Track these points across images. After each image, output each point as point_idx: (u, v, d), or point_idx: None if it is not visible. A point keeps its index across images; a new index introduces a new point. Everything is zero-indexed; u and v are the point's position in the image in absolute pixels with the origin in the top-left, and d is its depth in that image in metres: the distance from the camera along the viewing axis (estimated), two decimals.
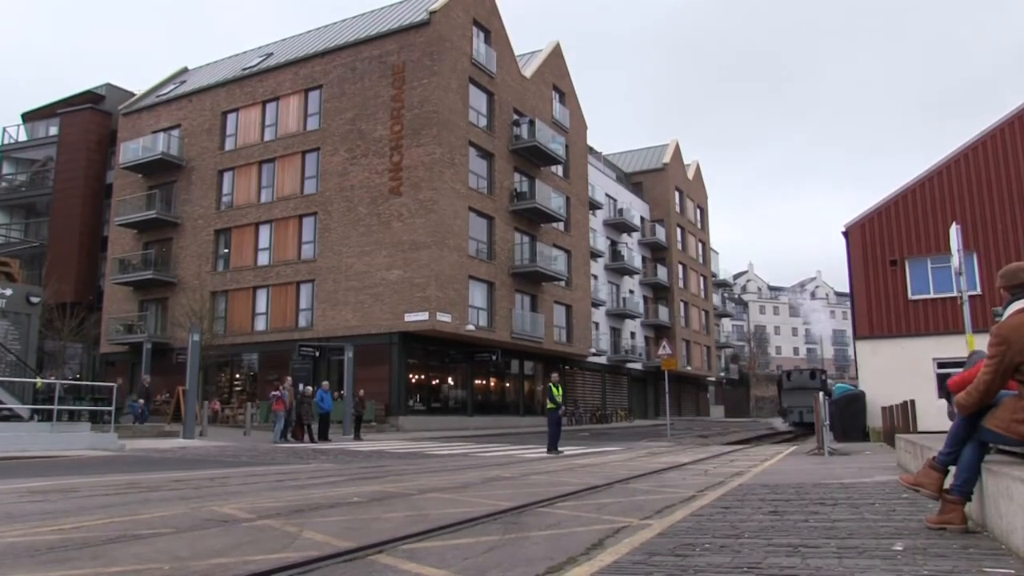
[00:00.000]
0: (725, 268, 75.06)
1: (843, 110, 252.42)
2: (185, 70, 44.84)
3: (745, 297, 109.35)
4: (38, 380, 16.83)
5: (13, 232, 44.99)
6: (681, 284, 58.83)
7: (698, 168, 66.36)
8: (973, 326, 10.66)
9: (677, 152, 61.13)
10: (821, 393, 14.77)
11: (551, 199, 37.93)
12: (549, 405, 16.57)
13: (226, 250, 36.13)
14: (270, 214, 34.88)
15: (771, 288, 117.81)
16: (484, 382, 36.08)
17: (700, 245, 65.20)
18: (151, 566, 3.88)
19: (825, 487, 7.38)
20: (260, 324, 34.38)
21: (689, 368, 57.92)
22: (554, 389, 16.51)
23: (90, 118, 43.91)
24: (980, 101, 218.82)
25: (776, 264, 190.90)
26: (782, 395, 32.04)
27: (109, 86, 46.09)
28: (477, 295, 33.18)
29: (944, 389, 5.07)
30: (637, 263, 53.53)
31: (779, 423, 34.24)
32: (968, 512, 4.36)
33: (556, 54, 42.65)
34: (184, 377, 24.35)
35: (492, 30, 36.04)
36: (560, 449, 16.31)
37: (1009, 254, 19.85)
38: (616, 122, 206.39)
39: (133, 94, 44.23)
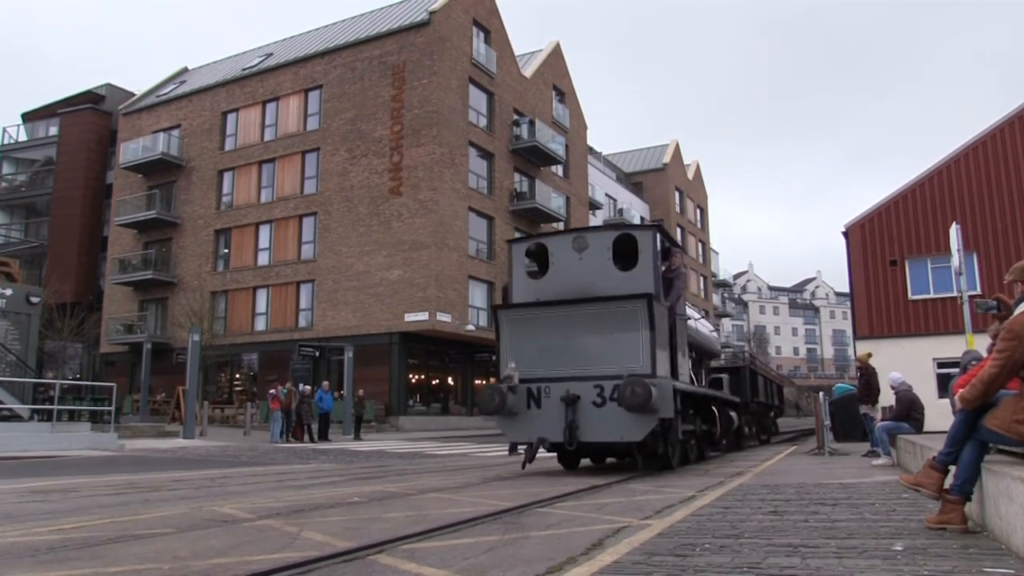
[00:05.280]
0: (725, 268, 74.97)
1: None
2: (185, 70, 44.83)
3: (745, 297, 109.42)
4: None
5: (13, 232, 45.00)
6: None
7: (698, 168, 66.33)
8: (973, 326, 10.67)
9: (677, 152, 61.12)
10: (821, 393, 14.39)
11: (551, 199, 37.91)
12: None
13: (226, 250, 36.13)
14: (270, 214, 34.88)
15: (771, 288, 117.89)
16: (484, 382, 36.02)
17: (700, 245, 65.15)
18: (151, 566, 3.88)
19: (825, 487, 7.37)
20: (260, 324, 34.38)
21: None
22: None
23: (90, 118, 43.91)
24: None
25: (776, 264, 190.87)
26: (500, 344, 9.71)
27: (109, 86, 46.09)
28: (477, 295, 33.16)
29: (945, 389, 5.08)
30: None
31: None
32: (968, 512, 4.36)
33: (556, 54, 42.64)
34: (184, 377, 24.41)
35: (492, 30, 36.03)
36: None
37: (1009, 254, 19.85)
38: (613, 122, 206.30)
39: (133, 94, 44.22)
